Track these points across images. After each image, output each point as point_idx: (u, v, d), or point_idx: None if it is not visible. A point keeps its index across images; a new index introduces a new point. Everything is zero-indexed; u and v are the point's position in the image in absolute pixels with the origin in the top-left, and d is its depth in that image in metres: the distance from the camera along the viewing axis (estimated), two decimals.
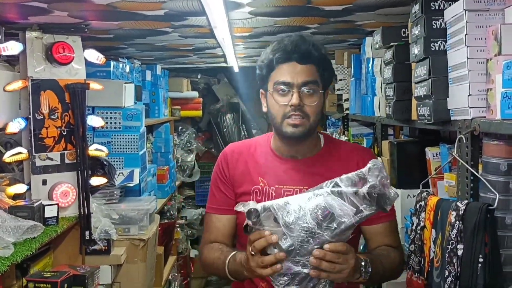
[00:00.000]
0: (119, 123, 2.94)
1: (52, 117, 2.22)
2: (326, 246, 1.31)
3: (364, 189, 1.30)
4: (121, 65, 3.25)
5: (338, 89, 3.81)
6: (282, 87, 1.57)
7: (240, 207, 1.37)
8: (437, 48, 1.69)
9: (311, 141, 1.67)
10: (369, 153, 1.74)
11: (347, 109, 3.61)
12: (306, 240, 1.30)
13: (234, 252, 1.57)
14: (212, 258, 1.64)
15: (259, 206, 1.34)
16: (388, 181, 1.32)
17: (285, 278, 1.33)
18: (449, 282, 1.49)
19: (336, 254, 1.33)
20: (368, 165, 1.34)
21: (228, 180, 1.70)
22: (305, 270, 1.32)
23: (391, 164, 2.46)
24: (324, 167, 1.64)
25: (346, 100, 3.63)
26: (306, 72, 1.57)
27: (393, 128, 2.88)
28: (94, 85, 2.35)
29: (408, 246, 1.85)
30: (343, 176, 1.35)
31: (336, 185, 1.33)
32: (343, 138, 3.71)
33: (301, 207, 1.31)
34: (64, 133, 2.27)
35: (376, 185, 1.30)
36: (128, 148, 2.98)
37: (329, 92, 1.62)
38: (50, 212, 2.14)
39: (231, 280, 1.60)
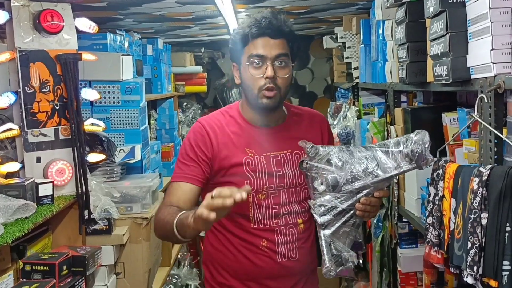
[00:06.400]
0: (118, 97, 2.81)
1: (43, 90, 2.10)
2: (377, 193, 1.61)
3: (408, 148, 1.58)
4: (119, 37, 3.11)
5: (347, 57, 3.66)
6: (257, 60, 1.70)
7: (302, 143, 1.62)
8: (454, 0, 1.56)
9: (280, 109, 1.85)
10: (324, 118, 1.97)
11: (357, 77, 3.47)
12: (350, 181, 1.60)
13: (192, 211, 1.56)
14: (165, 215, 1.66)
15: (319, 146, 1.64)
16: (429, 146, 1.58)
17: (323, 208, 1.61)
18: (472, 254, 1.37)
19: (376, 200, 1.62)
20: (416, 131, 1.61)
21: (208, 154, 1.76)
22: (342, 206, 1.61)
23: (405, 132, 2.32)
24: (297, 131, 1.84)
25: (356, 68, 3.48)
26: (278, 46, 1.71)
27: (406, 95, 2.74)
28: (87, 56, 2.22)
29: (425, 218, 1.72)
30: (392, 139, 1.64)
31: (385, 145, 1.63)
32: (354, 108, 3.57)
33: (352, 155, 1.61)
34: (57, 107, 2.15)
35: (419, 145, 1.56)
36: (128, 124, 2.85)
37: (295, 64, 1.80)
38: (44, 190, 2.03)
39: (178, 238, 1.59)
